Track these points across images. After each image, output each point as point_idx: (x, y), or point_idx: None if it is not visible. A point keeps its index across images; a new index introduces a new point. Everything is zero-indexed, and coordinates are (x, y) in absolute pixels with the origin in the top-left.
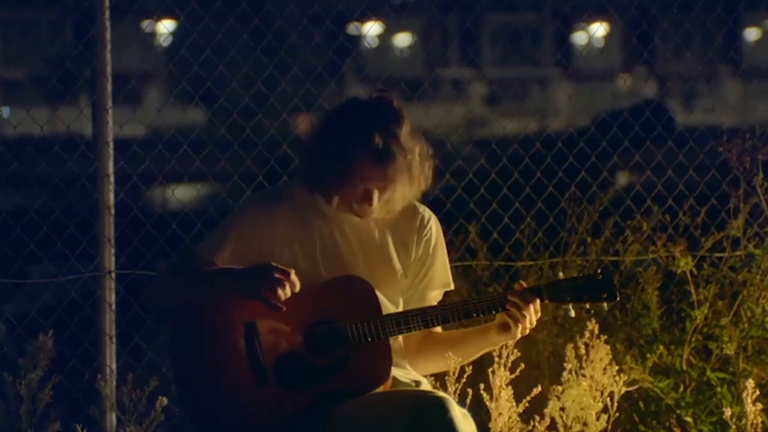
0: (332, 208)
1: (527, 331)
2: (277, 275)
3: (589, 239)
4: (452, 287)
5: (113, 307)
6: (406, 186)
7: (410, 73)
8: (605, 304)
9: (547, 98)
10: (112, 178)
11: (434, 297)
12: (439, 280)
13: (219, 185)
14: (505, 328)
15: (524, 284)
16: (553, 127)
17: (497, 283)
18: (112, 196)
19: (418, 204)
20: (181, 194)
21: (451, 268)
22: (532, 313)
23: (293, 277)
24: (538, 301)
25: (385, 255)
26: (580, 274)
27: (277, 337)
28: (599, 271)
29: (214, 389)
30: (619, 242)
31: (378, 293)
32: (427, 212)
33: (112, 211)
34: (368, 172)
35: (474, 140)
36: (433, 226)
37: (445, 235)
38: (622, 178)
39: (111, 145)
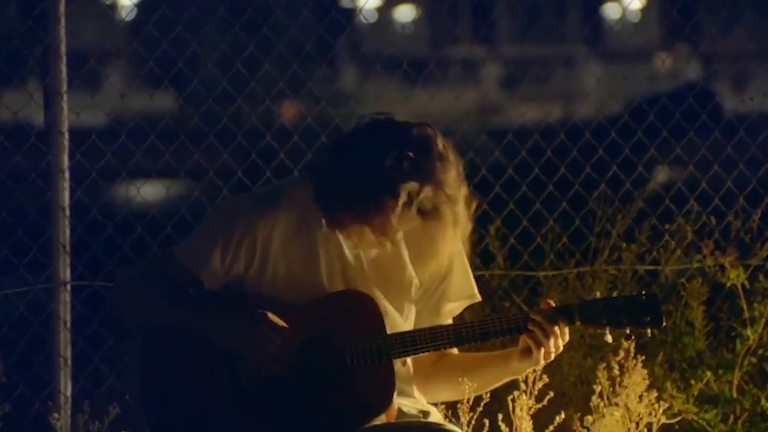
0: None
1: (552, 357)
2: (269, 335)
3: (622, 245)
4: (478, 299)
5: (68, 324)
6: (453, 239)
7: (414, 52)
8: (648, 330)
9: (573, 81)
10: (67, 174)
11: (451, 311)
12: (457, 291)
13: (192, 182)
14: (526, 353)
15: (552, 303)
16: (579, 114)
17: (516, 294)
18: (67, 195)
19: None
20: (148, 193)
21: None
22: (558, 336)
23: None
24: (564, 323)
25: (398, 263)
26: (620, 294)
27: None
28: (643, 292)
29: (188, 412)
30: (658, 249)
31: (389, 307)
32: None
33: (67, 213)
34: (402, 225)
35: (488, 130)
36: None
37: None
38: (661, 174)
39: (66, 135)
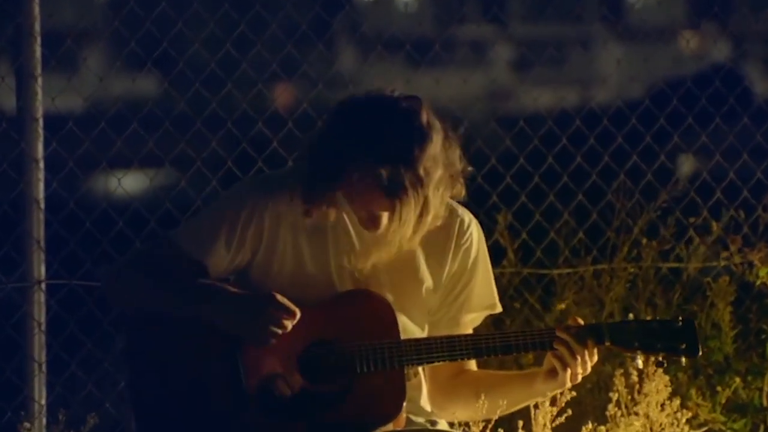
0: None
1: (578, 379)
2: (279, 315)
3: (643, 241)
4: (498, 309)
5: (43, 326)
6: (410, 225)
7: (418, 32)
8: (683, 358)
9: (591, 63)
10: (41, 165)
11: (470, 322)
12: (478, 301)
13: (177, 173)
14: (551, 374)
15: (580, 321)
16: (597, 99)
17: (528, 294)
18: (42, 186)
19: (456, 204)
20: (130, 184)
21: None
22: (585, 357)
23: (297, 316)
24: (593, 344)
25: (411, 265)
26: (654, 318)
27: (266, 357)
28: (680, 318)
29: (184, 415)
30: (682, 245)
31: (399, 314)
32: (467, 215)
33: (42, 206)
34: (371, 199)
35: (498, 116)
36: (474, 232)
37: None
38: (685, 164)
39: (40, 122)
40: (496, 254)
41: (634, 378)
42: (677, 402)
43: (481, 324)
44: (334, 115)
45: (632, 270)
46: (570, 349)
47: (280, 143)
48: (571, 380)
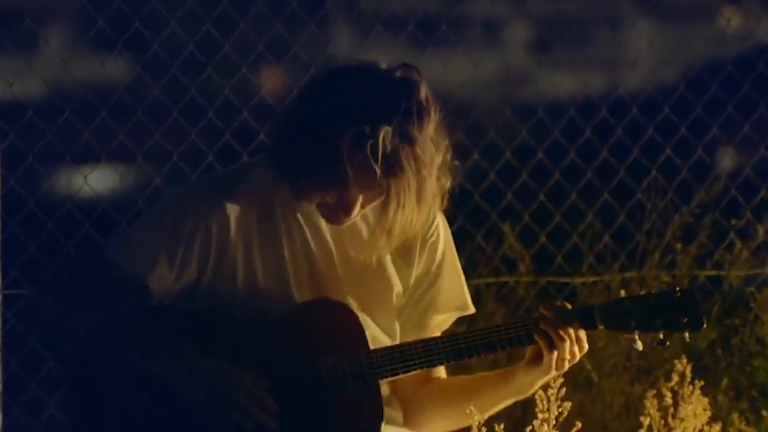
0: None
1: (566, 366)
2: (248, 405)
3: (677, 246)
4: (471, 310)
5: None
6: (414, 210)
7: (422, 9)
8: (686, 333)
9: (618, 44)
10: None
11: (439, 324)
12: (447, 300)
13: (152, 168)
14: (535, 360)
15: (568, 305)
16: (626, 85)
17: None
18: None
19: None
20: (98, 181)
21: (481, 285)
22: (573, 340)
23: (269, 406)
24: (582, 327)
25: (378, 268)
26: (650, 292)
27: None
28: (677, 288)
29: None
30: (722, 250)
31: (368, 321)
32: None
33: None
34: (360, 179)
35: (513, 104)
36: (440, 225)
37: (472, 240)
38: (725, 159)
39: None
40: (511, 262)
41: (668, 400)
42: (717, 428)
43: None
44: (319, 83)
45: (665, 279)
46: (557, 327)
47: (267, 134)
48: (557, 366)
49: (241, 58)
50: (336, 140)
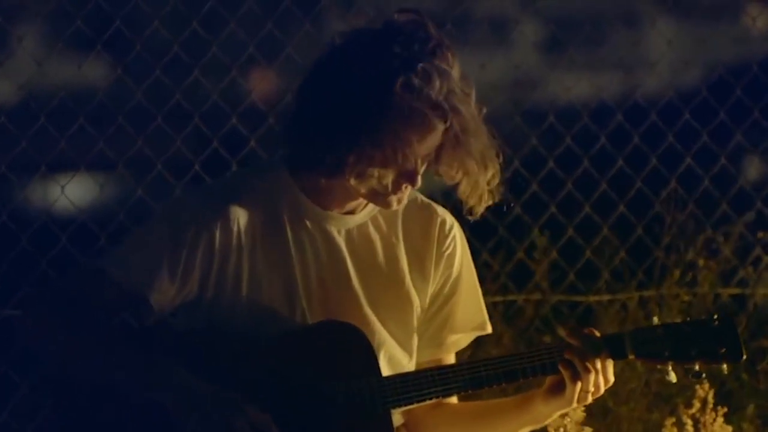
0: (321, 208)
1: (588, 399)
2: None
3: (699, 262)
4: (488, 330)
5: None
6: (485, 146)
7: (426, 6)
8: (724, 365)
9: (635, 45)
10: None
11: (456, 343)
12: (464, 319)
13: (134, 178)
14: (555, 390)
15: (596, 333)
16: (644, 89)
17: (560, 325)
18: None
19: (433, 203)
20: (76, 192)
21: (488, 304)
22: (599, 372)
23: None
24: (611, 357)
25: (394, 279)
26: (685, 320)
27: None
28: (715, 316)
29: None
30: (747, 267)
31: (384, 335)
32: (447, 215)
33: None
34: (423, 131)
35: (523, 109)
36: (457, 235)
37: (477, 255)
38: (750, 168)
39: None
40: (521, 278)
41: (689, 429)
42: None
43: None
44: (344, 47)
45: (686, 297)
46: (582, 358)
47: (258, 142)
48: (579, 399)
49: (230, 60)
50: (388, 96)
